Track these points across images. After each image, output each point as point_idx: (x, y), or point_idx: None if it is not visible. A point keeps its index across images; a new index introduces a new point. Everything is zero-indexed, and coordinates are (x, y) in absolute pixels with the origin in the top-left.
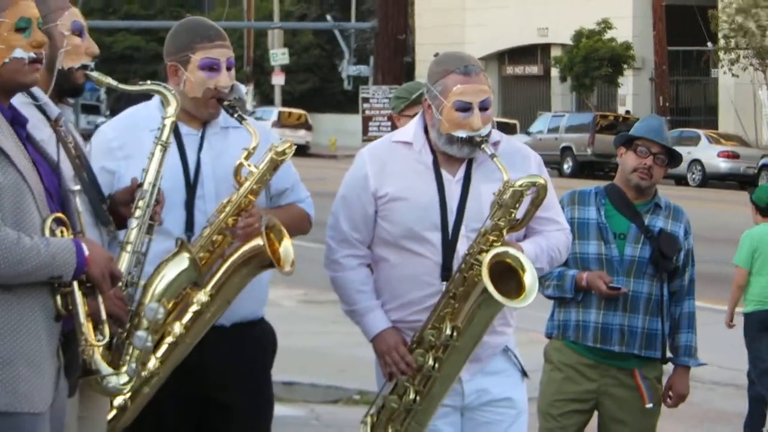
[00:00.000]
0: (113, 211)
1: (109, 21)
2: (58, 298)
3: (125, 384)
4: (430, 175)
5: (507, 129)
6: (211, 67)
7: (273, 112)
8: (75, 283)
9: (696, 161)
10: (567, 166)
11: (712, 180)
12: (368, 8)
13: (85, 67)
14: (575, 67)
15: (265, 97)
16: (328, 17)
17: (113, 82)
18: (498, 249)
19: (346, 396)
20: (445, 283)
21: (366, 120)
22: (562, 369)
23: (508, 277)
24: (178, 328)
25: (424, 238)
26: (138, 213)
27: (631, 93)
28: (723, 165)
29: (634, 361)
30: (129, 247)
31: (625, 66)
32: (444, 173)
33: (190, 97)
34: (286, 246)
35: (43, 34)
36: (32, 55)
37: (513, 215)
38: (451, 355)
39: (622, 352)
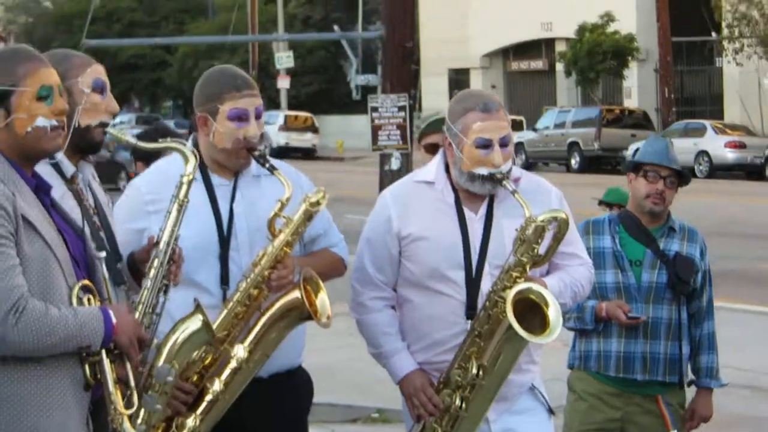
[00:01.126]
0: (134, 269)
1: (115, 39)
2: (87, 367)
3: None
4: (453, 214)
5: (513, 126)
6: (240, 117)
7: (279, 116)
8: (103, 352)
9: (703, 152)
10: (575, 162)
11: (719, 171)
12: (374, 7)
13: (103, 125)
14: (579, 61)
15: (271, 101)
16: (336, 27)
17: (132, 140)
18: (521, 285)
19: (365, 414)
20: (470, 321)
21: (375, 129)
22: (586, 398)
23: (532, 313)
24: (217, 384)
25: (448, 277)
26: (152, 273)
27: (636, 85)
28: (730, 155)
29: (657, 388)
30: (141, 308)
31: (630, 58)
32: (466, 211)
33: (219, 147)
34: (323, 298)
35: (64, 102)
36: (54, 122)
37: (536, 251)
38: (477, 394)
39: (645, 380)
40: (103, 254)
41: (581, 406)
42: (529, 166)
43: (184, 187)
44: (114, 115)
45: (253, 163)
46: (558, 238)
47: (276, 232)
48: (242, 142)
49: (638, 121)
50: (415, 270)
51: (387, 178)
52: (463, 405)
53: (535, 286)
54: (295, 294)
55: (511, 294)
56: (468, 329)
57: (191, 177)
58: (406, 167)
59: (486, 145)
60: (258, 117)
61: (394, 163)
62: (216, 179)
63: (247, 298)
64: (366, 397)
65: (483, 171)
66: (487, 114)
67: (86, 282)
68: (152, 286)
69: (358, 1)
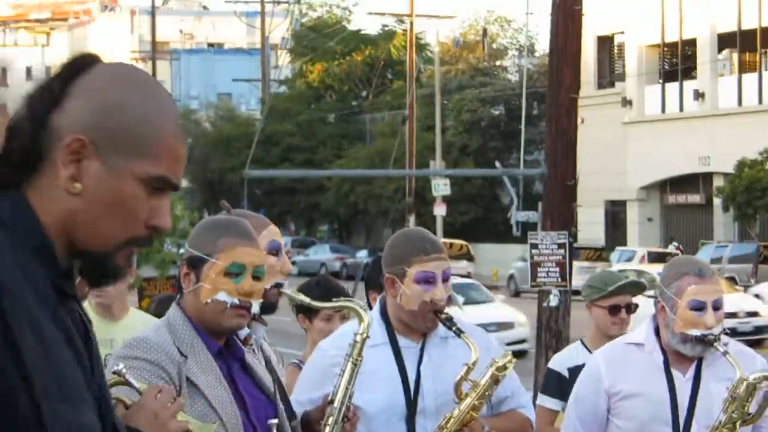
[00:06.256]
0: (307, 428)
1: (288, 170)
2: None
3: None
4: (662, 374)
5: (670, 258)
6: (427, 280)
7: None
8: None
9: None
10: None
11: None
12: (532, 137)
13: (278, 285)
14: (737, 196)
15: (426, 228)
16: (497, 164)
17: (306, 299)
18: None
19: None
20: None
21: (534, 266)
22: None
23: None
24: None
25: None
26: (327, 430)
27: None
28: None
29: None
30: None
31: None
32: (675, 372)
33: (406, 309)
34: None
35: (255, 285)
36: (236, 301)
37: (746, 408)
38: None
39: None
40: (275, 421)
41: None
42: None
43: (358, 346)
44: (287, 275)
45: (441, 325)
46: None
47: (462, 396)
48: (429, 305)
49: None
50: (624, 426)
51: (545, 315)
52: None
53: None
54: None
55: None
56: None
57: (365, 335)
58: (566, 304)
59: (700, 307)
60: (445, 280)
61: (553, 300)
62: (403, 341)
63: None
64: None
65: (696, 332)
66: (701, 278)
67: None
68: None
69: (519, 131)
